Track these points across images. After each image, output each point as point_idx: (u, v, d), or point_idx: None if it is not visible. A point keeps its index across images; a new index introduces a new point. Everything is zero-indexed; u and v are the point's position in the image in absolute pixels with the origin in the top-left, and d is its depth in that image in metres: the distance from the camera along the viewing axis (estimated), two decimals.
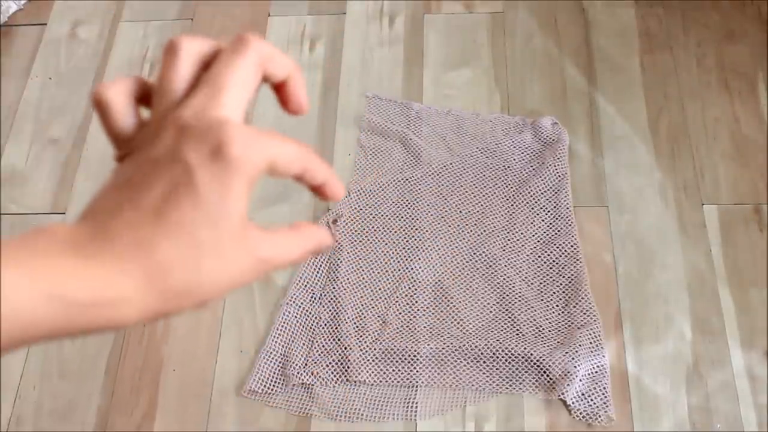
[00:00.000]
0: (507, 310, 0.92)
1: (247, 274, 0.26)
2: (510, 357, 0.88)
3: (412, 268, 0.96)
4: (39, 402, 0.92)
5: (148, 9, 1.25)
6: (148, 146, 0.26)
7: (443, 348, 0.89)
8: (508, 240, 0.97)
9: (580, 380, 0.86)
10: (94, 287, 0.23)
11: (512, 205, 1.00)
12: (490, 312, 0.93)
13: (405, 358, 0.90)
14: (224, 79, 0.27)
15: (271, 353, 0.91)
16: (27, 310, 0.22)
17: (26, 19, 1.26)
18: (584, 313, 0.90)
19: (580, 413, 0.85)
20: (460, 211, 1.00)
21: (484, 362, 0.89)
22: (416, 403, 0.88)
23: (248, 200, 0.26)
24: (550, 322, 0.91)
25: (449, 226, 0.99)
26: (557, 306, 0.92)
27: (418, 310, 0.93)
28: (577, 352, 0.87)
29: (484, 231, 0.98)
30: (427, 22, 1.19)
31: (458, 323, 0.92)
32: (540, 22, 1.16)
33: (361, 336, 0.92)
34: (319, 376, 0.89)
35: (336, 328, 0.92)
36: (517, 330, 0.91)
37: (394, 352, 0.90)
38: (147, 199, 0.25)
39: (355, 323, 0.93)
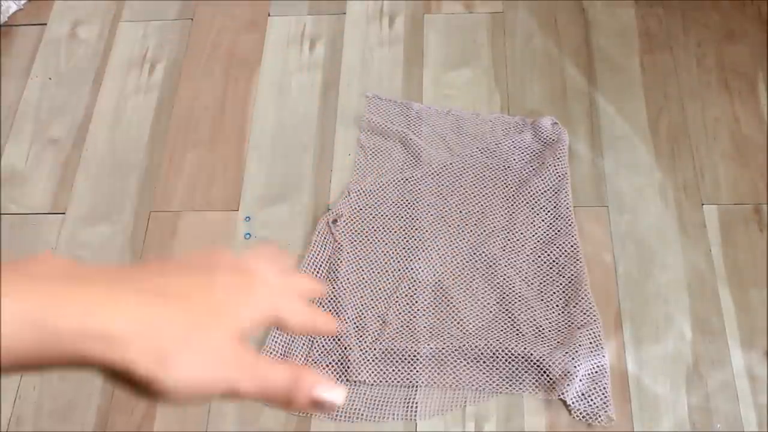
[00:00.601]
0: (507, 310, 0.92)
1: (216, 374, 0.25)
2: (510, 357, 0.88)
3: (412, 268, 0.96)
4: (39, 402, 0.92)
5: (148, 9, 1.25)
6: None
7: (443, 348, 0.89)
8: (508, 240, 0.97)
9: (580, 380, 0.86)
10: (79, 317, 0.22)
11: (512, 205, 1.00)
12: (490, 312, 0.93)
13: (405, 358, 0.90)
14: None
15: (271, 353, 0.91)
16: (14, 338, 0.21)
17: (26, 19, 1.26)
18: (584, 313, 0.90)
19: (580, 413, 0.85)
20: (460, 211, 1.00)
21: (484, 362, 0.89)
22: (416, 403, 0.88)
23: (249, 333, 0.27)
24: (550, 322, 0.91)
25: (449, 226, 0.99)
26: (557, 306, 0.92)
27: (418, 310, 0.93)
28: (577, 352, 0.87)
29: (484, 231, 0.98)
30: (427, 22, 1.19)
31: (458, 323, 0.92)
32: (540, 22, 1.16)
33: (361, 336, 0.92)
34: None
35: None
36: (517, 330, 0.91)
37: (394, 352, 0.90)
38: (164, 278, 0.27)
39: (355, 323, 0.93)
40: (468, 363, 0.89)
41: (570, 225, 0.97)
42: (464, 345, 0.89)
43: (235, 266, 0.29)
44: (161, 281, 0.26)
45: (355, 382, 0.89)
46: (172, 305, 0.25)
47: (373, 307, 0.94)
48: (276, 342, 0.92)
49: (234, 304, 0.27)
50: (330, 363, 0.90)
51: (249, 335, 0.27)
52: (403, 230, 0.99)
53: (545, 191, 1.00)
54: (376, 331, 0.92)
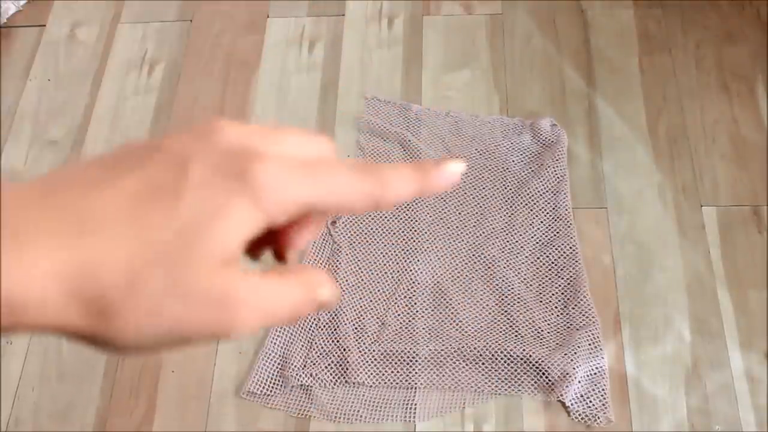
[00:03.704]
0: (506, 311, 0.92)
1: (195, 324, 0.19)
2: (509, 358, 0.88)
3: (410, 270, 0.96)
4: (38, 403, 0.92)
5: (147, 10, 1.25)
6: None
7: (442, 349, 0.89)
8: (507, 241, 0.97)
9: (579, 382, 0.86)
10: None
11: (511, 206, 1.00)
12: (489, 313, 0.93)
13: (404, 360, 0.90)
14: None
15: (269, 355, 0.91)
16: None
17: (25, 20, 1.26)
18: (583, 315, 0.90)
19: (579, 415, 0.85)
20: (459, 213, 1.00)
21: (483, 364, 0.89)
22: (415, 404, 0.88)
23: (243, 244, 0.20)
24: (549, 324, 0.91)
25: (448, 227, 0.99)
26: (556, 307, 0.92)
27: (416, 311, 0.93)
28: (576, 353, 0.87)
29: (483, 232, 0.98)
30: (426, 23, 1.19)
31: (457, 325, 0.92)
32: (539, 24, 1.16)
33: (359, 337, 0.92)
34: (318, 378, 0.89)
35: (335, 329, 0.92)
36: (516, 331, 0.91)
37: (393, 354, 0.90)
38: (121, 179, 0.19)
39: (353, 325, 0.93)
40: (467, 364, 0.89)
41: (569, 226, 0.97)
42: (463, 346, 0.89)
43: (230, 153, 0.20)
44: (94, 202, 0.19)
45: (354, 383, 0.89)
46: (111, 238, 0.18)
47: (372, 309, 0.94)
48: (274, 343, 0.92)
49: (205, 222, 0.19)
50: (329, 365, 0.90)
51: (241, 253, 0.20)
52: (402, 232, 0.99)
53: (544, 193, 1.00)
54: (375, 332, 0.92)
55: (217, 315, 0.19)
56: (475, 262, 0.96)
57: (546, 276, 0.94)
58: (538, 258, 0.96)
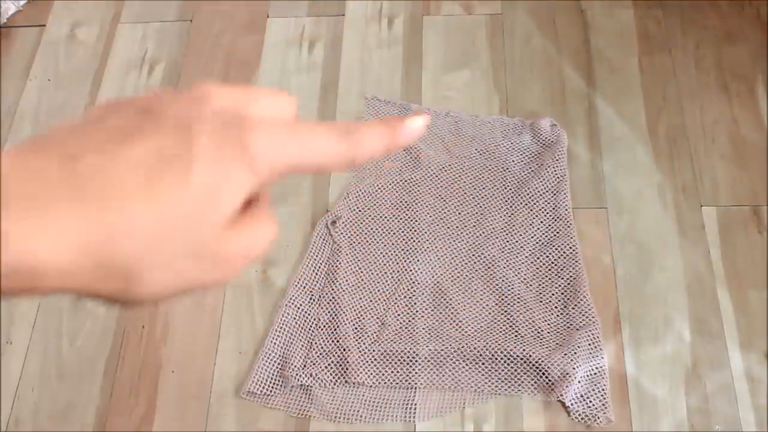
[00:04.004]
0: (506, 311, 0.92)
1: (206, 280, 0.23)
2: (509, 358, 0.88)
3: (411, 270, 0.96)
4: (38, 403, 0.92)
5: (147, 10, 1.25)
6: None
7: (442, 349, 0.89)
8: (507, 241, 0.97)
9: (579, 382, 0.86)
10: (17, 249, 0.19)
11: (511, 206, 1.00)
12: (489, 313, 0.93)
13: (404, 360, 0.90)
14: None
15: (269, 355, 0.91)
16: None
17: (25, 20, 1.26)
18: (583, 315, 0.90)
19: (579, 415, 0.85)
20: (459, 213, 1.00)
21: (483, 364, 0.89)
22: (415, 404, 0.88)
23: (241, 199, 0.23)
24: (548, 324, 0.91)
25: (448, 227, 0.99)
26: (556, 307, 0.92)
27: (416, 311, 0.93)
28: (575, 353, 0.87)
29: (483, 232, 0.98)
30: (426, 23, 1.19)
31: (457, 325, 0.92)
32: (539, 24, 1.16)
33: (359, 337, 0.92)
34: (318, 378, 0.89)
35: (335, 329, 0.92)
36: (516, 331, 0.91)
37: (393, 354, 0.90)
38: (131, 149, 0.21)
39: (353, 325, 0.93)
40: (467, 364, 0.89)
41: (569, 226, 0.97)
42: (463, 346, 0.89)
43: (226, 119, 0.22)
44: (106, 173, 0.20)
45: (354, 383, 0.89)
46: (123, 210, 0.20)
47: (372, 309, 0.94)
48: (274, 343, 0.92)
49: (213, 192, 0.21)
50: (329, 365, 0.90)
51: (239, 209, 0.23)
52: (402, 232, 0.99)
53: (544, 193, 1.00)
54: (375, 332, 0.92)
55: (223, 271, 0.23)
56: (475, 262, 0.96)
57: (546, 276, 0.94)
58: (538, 258, 0.96)
